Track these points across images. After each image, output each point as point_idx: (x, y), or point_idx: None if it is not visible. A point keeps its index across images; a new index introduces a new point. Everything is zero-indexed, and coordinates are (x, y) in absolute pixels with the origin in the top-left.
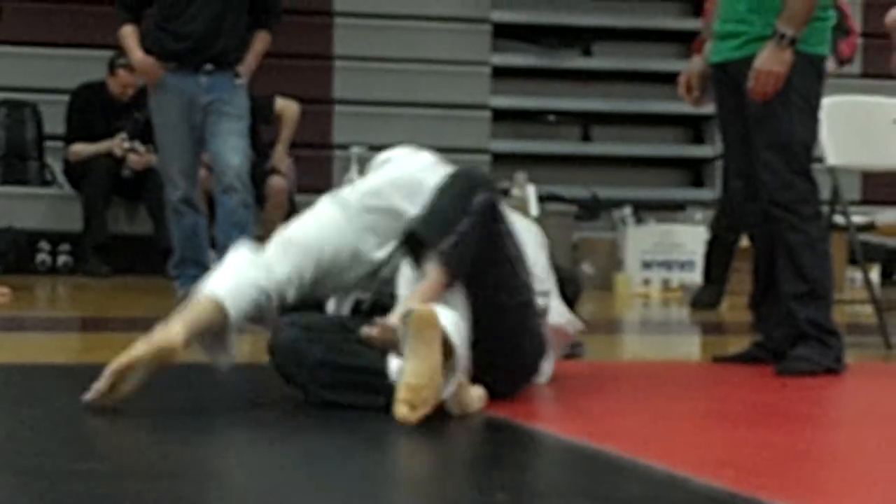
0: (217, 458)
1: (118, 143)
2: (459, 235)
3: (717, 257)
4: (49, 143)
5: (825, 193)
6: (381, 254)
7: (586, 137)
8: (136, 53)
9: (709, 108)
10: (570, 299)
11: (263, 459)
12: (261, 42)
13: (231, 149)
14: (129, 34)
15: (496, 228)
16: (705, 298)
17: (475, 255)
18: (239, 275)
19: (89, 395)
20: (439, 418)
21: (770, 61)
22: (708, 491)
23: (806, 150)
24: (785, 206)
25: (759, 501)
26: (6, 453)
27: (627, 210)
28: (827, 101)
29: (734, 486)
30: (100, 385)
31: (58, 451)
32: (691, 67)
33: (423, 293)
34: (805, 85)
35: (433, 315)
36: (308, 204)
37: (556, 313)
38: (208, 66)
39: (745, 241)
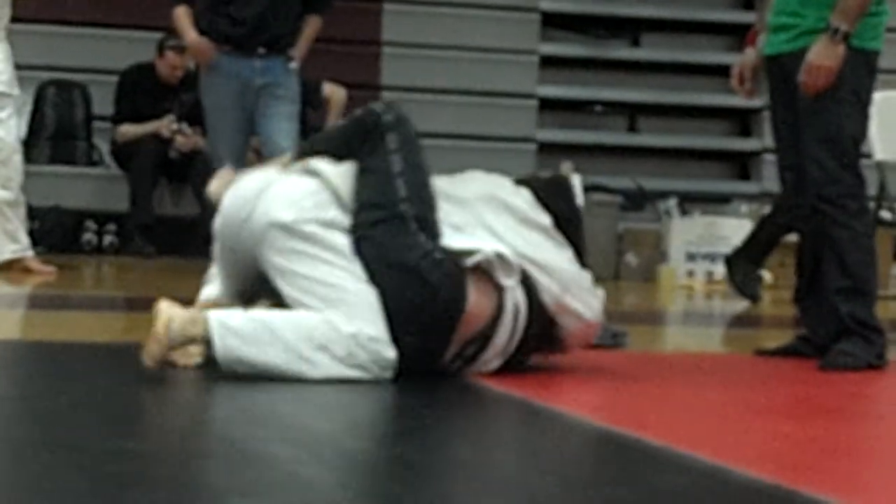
0: (257, 439)
1: (166, 125)
2: (315, 136)
3: (762, 242)
4: (97, 124)
5: (872, 189)
6: None
7: (633, 128)
8: (191, 34)
9: (756, 102)
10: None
11: (302, 440)
12: (313, 27)
13: (282, 132)
14: (182, 15)
15: (373, 137)
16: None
17: (327, 147)
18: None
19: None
20: (481, 405)
21: (822, 55)
22: (749, 483)
23: (854, 144)
24: (831, 201)
25: (800, 495)
26: (49, 431)
27: (673, 202)
28: (877, 97)
29: (775, 479)
30: (153, 355)
31: (100, 429)
32: (745, 59)
33: (266, 165)
34: (856, 80)
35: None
36: None
37: (573, 296)
38: (261, 50)
39: (790, 236)
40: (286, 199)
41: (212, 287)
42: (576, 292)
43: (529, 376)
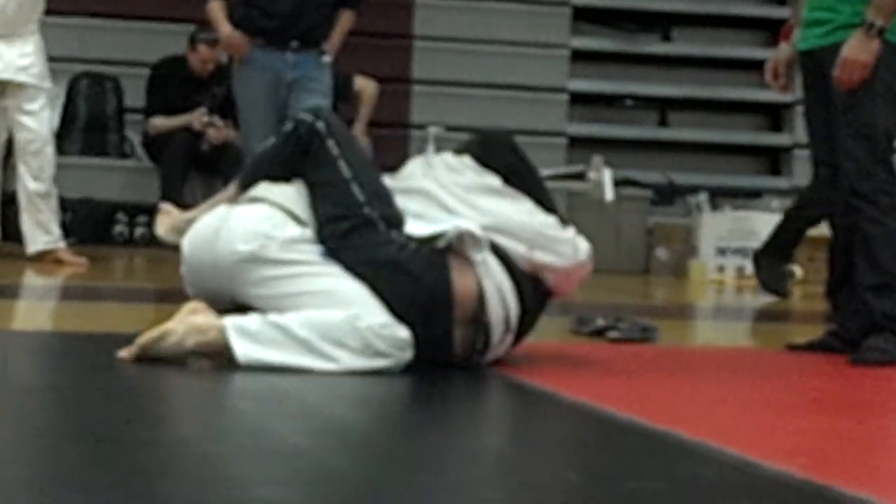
0: (284, 429)
1: (197, 117)
2: (256, 155)
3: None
4: (129, 116)
5: None
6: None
7: (663, 123)
8: (225, 27)
9: (787, 97)
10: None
11: (328, 430)
12: (346, 21)
13: None
14: (217, 8)
15: (314, 149)
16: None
17: (270, 169)
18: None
19: (122, 355)
20: (507, 398)
21: (857, 50)
22: (780, 477)
23: (888, 139)
24: (864, 196)
25: (832, 490)
26: (78, 422)
27: (703, 196)
28: None
29: (806, 473)
30: (128, 352)
31: (129, 420)
32: (778, 54)
33: (212, 203)
34: (891, 75)
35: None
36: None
37: (542, 249)
38: (295, 44)
39: (819, 231)
40: (243, 231)
41: None
42: (543, 244)
43: (556, 368)
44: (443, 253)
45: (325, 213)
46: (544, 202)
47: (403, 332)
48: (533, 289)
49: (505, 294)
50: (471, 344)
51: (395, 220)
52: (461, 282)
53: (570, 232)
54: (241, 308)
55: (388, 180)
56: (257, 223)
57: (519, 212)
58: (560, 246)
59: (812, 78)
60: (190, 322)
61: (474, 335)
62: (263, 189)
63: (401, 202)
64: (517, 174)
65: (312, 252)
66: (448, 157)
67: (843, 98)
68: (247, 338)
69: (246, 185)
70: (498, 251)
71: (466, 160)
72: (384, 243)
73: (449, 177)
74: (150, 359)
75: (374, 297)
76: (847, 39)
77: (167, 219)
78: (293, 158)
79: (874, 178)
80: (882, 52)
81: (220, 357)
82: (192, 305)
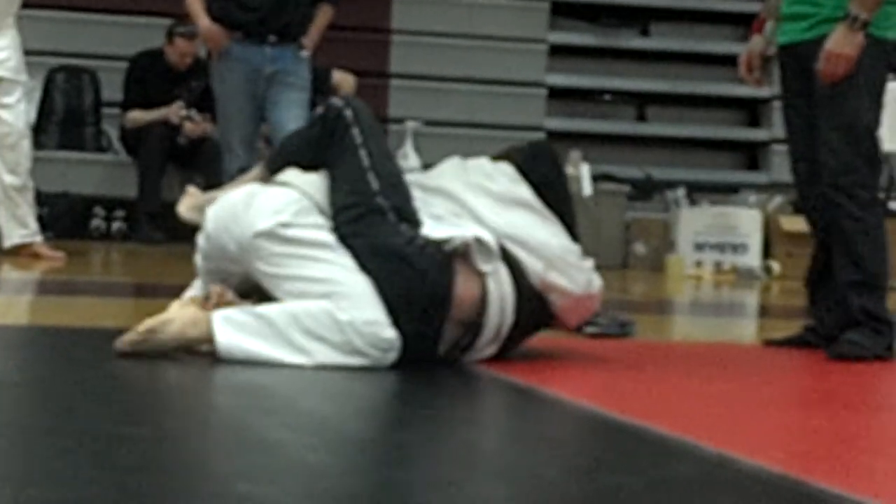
0: (264, 425)
1: (175, 111)
2: (285, 138)
3: None
4: (106, 110)
5: (881, 180)
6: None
7: (642, 117)
8: (203, 20)
9: (765, 92)
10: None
11: (308, 426)
12: (325, 15)
13: (292, 119)
14: (195, 1)
15: (339, 135)
16: None
17: (298, 153)
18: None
19: (121, 345)
20: (486, 393)
21: (841, 44)
22: (758, 472)
23: (870, 134)
24: (844, 190)
25: (808, 485)
26: (56, 416)
27: (681, 191)
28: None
29: (783, 468)
30: (131, 338)
31: (107, 414)
32: (752, 47)
33: (240, 182)
34: (873, 69)
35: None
36: None
37: (558, 272)
38: (273, 38)
39: (798, 226)
40: (268, 209)
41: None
42: (561, 267)
43: (534, 363)
44: (450, 256)
45: (340, 200)
46: (571, 228)
47: (389, 333)
48: (535, 307)
49: (506, 305)
50: (455, 343)
51: (407, 213)
52: (465, 285)
53: (588, 263)
54: (248, 293)
55: (418, 175)
56: (285, 205)
57: (545, 230)
58: (576, 273)
59: (792, 72)
60: (185, 314)
61: (462, 335)
62: (292, 175)
63: (424, 199)
64: (552, 189)
65: (328, 238)
66: (485, 162)
67: (825, 92)
68: (231, 326)
69: (273, 167)
70: (511, 261)
71: (503, 167)
72: (392, 234)
73: (482, 182)
74: (147, 350)
75: (374, 293)
76: (830, 33)
77: (189, 199)
78: (319, 142)
79: (855, 172)
80: (865, 45)
81: (205, 347)
82: (182, 301)
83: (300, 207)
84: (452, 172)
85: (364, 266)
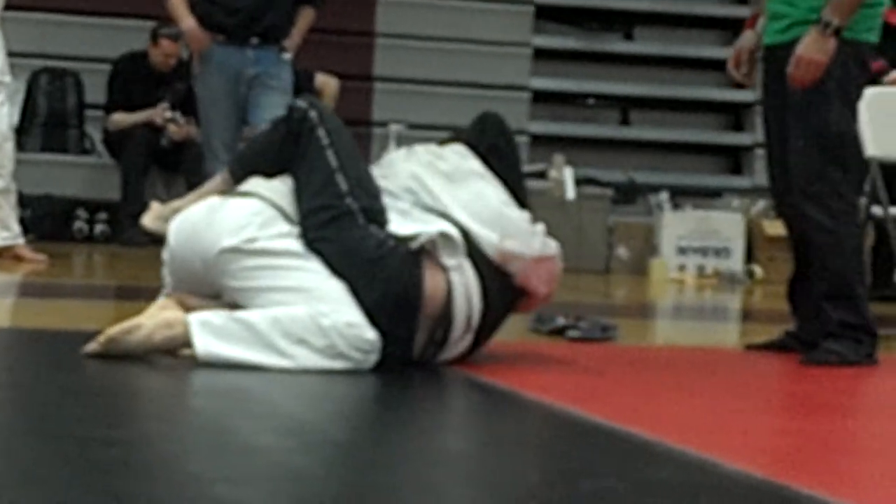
0: (245, 428)
1: (159, 112)
2: (248, 143)
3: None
4: (89, 112)
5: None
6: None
7: (625, 121)
8: (187, 21)
9: (748, 96)
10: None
11: (289, 429)
12: (307, 18)
13: None
14: (178, 2)
15: (304, 137)
16: None
17: (262, 158)
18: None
19: (88, 349)
20: (469, 398)
21: (812, 49)
22: (739, 477)
23: (842, 140)
24: (814, 199)
25: (790, 489)
26: (37, 418)
27: (664, 195)
28: (868, 91)
29: (766, 473)
30: (95, 345)
31: (88, 417)
32: (742, 42)
33: (202, 192)
34: (844, 74)
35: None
36: None
37: (513, 239)
38: (255, 40)
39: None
40: (232, 224)
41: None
42: (515, 234)
43: (516, 367)
44: (417, 253)
45: (308, 204)
46: (519, 196)
47: (370, 335)
48: (501, 286)
49: (472, 294)
50: (429, 340)
51: (376, 214)
52: (432, 281)
53: (540, 227)
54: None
55: (374, 170)
56: (248, 219)
57: (497, 199)
58: (530, 238)
59: (770, 75)
60: (158, 317)
61: (433, 331)
62: (254, 184)
63: (388, 194)
64: (501, 157)
65: (295, 246)
66: (433, 146)
67: (796, 97)
68: (209, 332)
69: (237, 174)
70: (472, 249)
71: (452, 146)
72: (362, 238)
73: (432, 161)
74: (116, 354)
75: (349, 296)
76: (802, 37)
77: (153, 211)
78: (283, 145)
79: (825, 179)
80: (837, 50)
81: (186, 352)
82: (161, 302)
83: (264, 219)
84: (403, 157)
85: (336, 271)
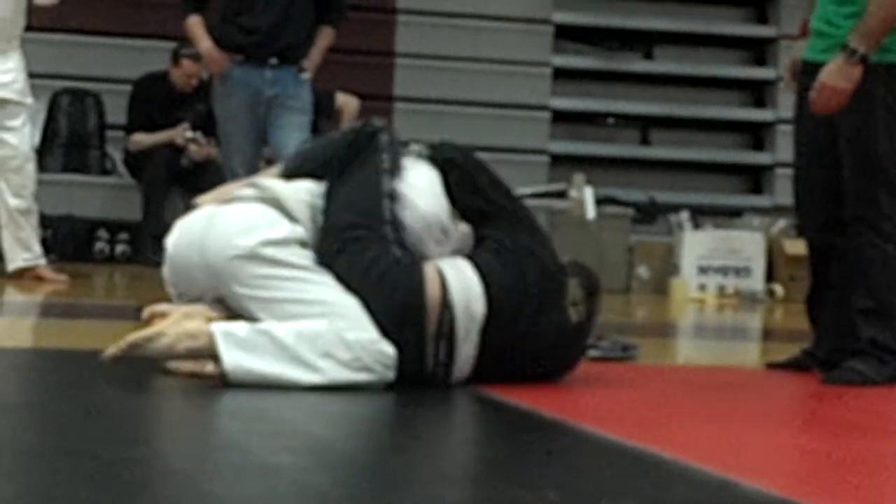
0: (265, 448)
1: (180, 133)
2: (304, 149)
3: None
4: (110, 133)
5: None
6: None
7: (645, 141)
8: (205, 43)
9: (768, 115)
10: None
11: (309, 448)
12: (326, 38)
13: (293, 142)
14: (196, 24)
15: (367, 155)
16: None
17: (317, 160)
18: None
19: (108, 352)
20: (487, 416)
21: (837, 76)
22: (758, 497)
23: (890, 162)
24: (866, 222)
25: None
26: (59, 439)
27: (685, 214)
28: None
29: (785, 493)
30: (116, 349)
31: (110, 437)
32: (795, 53)
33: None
34: (892, 97)
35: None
36: None
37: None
38: (274, 60)
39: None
40: (238, 228)
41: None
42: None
43: (535, 386)
44: (418, 261)
45: (344, 217)
46: (487, 208)
47: (390, 350)
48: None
49: (471, 293)
50: (437, 350)
51: (404, 242)
52: (431, 287)
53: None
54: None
55: None
56: (253, 220)
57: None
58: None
59: (805, 90)
60: (182, 327)
61: (437, 338)
62: (266, 181)
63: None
64: (456, 169)
65: (305, 257)
66: None
67: (845, 123)
68: (235, 345)
69: (290, 171)
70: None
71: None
72: (378, 256)
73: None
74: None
75: (364, 311)
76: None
77: (213, 193)
78: (345, 154)
79: (875, 205)
80: (882, 73)
81: (209, 368)
82: (185, 310)
83: (267, 219)
84: None
85: (349, 286)
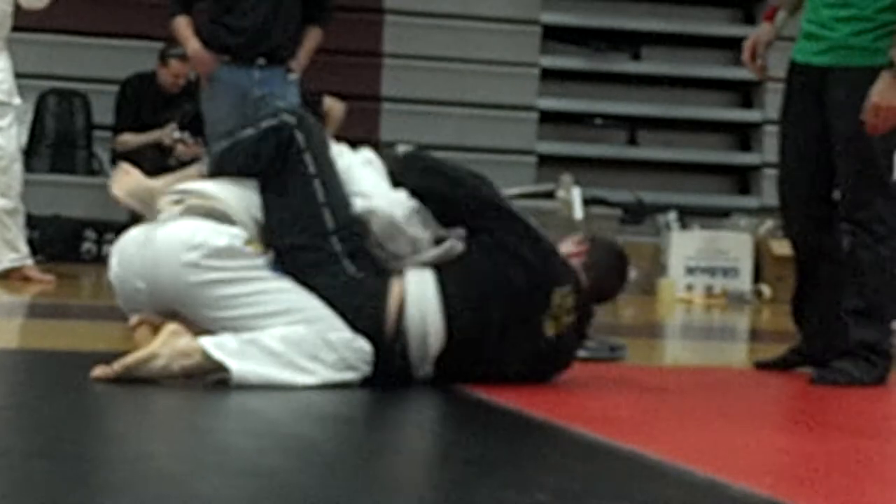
0: (253, 449)
1: (168, 133)
2: (231, 145)
3: None
4: (98, 133)
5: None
6: None
7: (633, 141)
8: (192, 43)
9: (756, 116)
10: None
11: (298, 450)
12: (313, 38)
13: None
14: (184, 25)
15: (291, 163)
16: None
17: (244, 169)
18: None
19: (97, 373)
20: (474, 417)
21: (889, 96)
22: (746, 497)
23: (888, 166)
24: (861, 224)
25: None
26: (45, 438)
27: (672, 215)
28: None
29: (772, 493)
30: (108, 371)
31: (97, 438)
32: (759, 33)
33: (178, 177)
34: None
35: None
36: None
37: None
38: (261, 61)
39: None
40: (183, 237)
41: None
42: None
43: (524, 387)
44: (387, 277)
45: (289, 238)
46: (449, 202)
47: (367, 346)
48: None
49: (427, 310)
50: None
51: (357, 251)
52: (393, 298)
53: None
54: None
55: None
56: (193, 230)
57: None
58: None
59: (798, 93)
60: (173, 346)
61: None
62: (197, 184)
63: (354, 179)
64: (413, 163)
65: (255, 262)
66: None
67: (842, 126)
68: (230, 356)
69: (214, 174)
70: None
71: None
72: (335, 285)
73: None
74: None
75: (332, 312)
76: (845, 61)
77: (127, 179)
78: (268, 166)
79: (870, 207)
80: (876, 76)
81: (211, 378)
82: (172, 327)
83: (205, 234)
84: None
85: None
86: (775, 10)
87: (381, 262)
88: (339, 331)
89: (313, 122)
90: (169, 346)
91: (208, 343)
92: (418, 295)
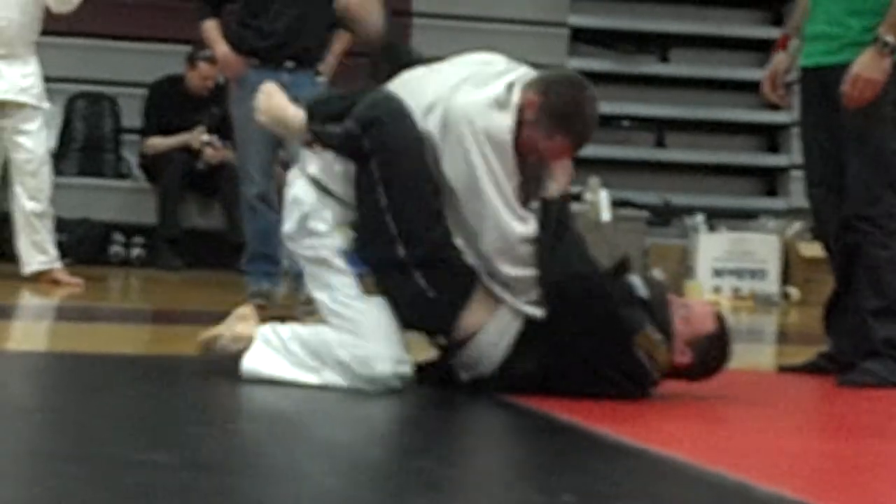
0: (285, 452)
1: (196, 136)
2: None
3: None
4: (126, 137)
5: None
6: None
7: (660, 143)
8: (221, 47)
9: (784, 117)
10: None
11: (329, 453)
12: (341, 41)
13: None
14: (212, 28)
15: (358, 169)
16: None
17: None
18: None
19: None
20: (502, 419)
21: (869, 68)
22: (773, 499)
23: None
24: (871, 221)
25: None
26: (75, 442)
27: (700, 217)
28: None
29: (799, 495)
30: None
31: (126, 441)
32: (776, 65)
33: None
34: None
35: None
36: None
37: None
38: (290, 64)
39: (816, 252)
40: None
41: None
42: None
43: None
44: (471, 287)
45: (361, 239)
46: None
47: (384, 367)
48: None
49: (502, 342)
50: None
51: (427, 258)
52: (474, 313)
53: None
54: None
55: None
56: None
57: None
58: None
59: (814, 96)
60: (233, 329)
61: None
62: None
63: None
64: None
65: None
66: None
67: (851, 121)
68: (265, 350)
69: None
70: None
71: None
72: (408, 295)
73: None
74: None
75: (386, 325)
76: (857, 57)
77: (271, 104)
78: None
79: (881, 203)
80: (891, 72)
81: None
82: (240, 311)
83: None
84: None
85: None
86: (787, 39)
87: (462, 273)
88: (357, 349)
89: (388, 121)
90: (230, 328)
91: (261, 335)
92: (495, 337)
